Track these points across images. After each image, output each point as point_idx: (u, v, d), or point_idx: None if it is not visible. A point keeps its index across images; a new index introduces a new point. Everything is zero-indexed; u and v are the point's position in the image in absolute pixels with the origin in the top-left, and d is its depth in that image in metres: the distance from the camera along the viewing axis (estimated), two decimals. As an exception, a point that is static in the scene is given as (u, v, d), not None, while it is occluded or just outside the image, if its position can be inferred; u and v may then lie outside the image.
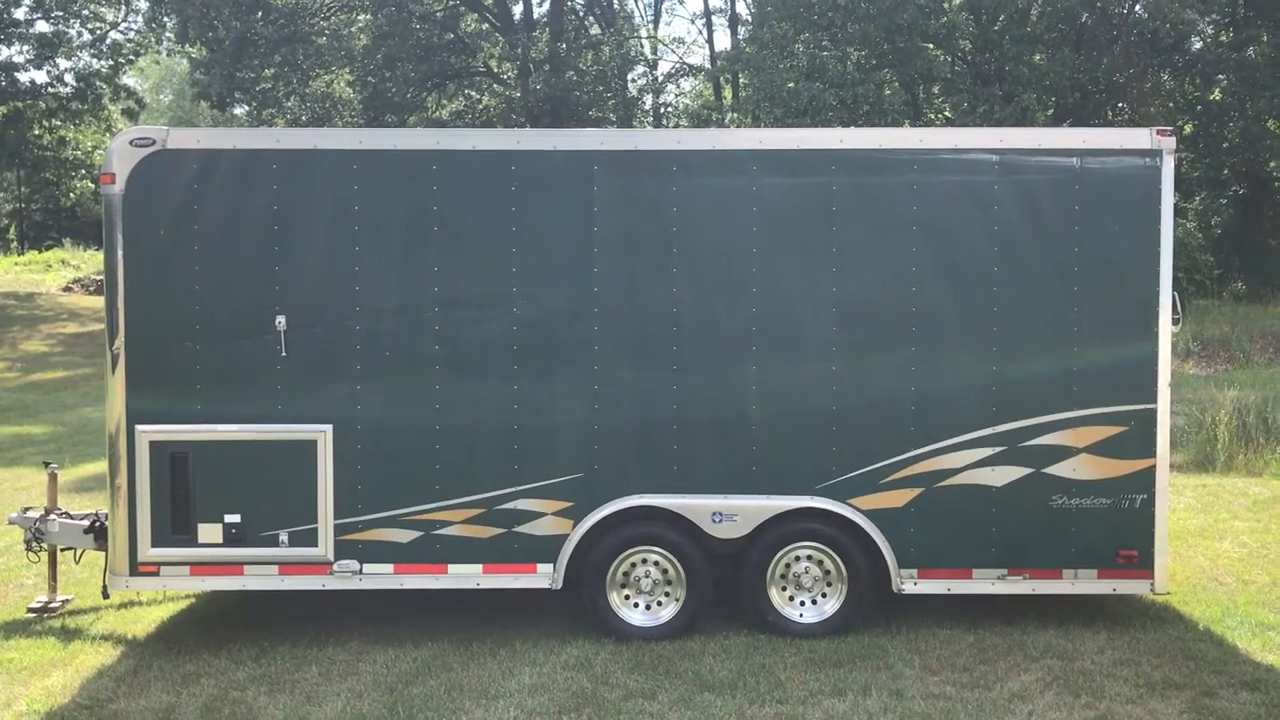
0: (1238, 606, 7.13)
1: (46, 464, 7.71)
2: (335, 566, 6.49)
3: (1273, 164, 27.17)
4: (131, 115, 35.54)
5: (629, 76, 35.95)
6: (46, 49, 33.28)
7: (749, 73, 27.16)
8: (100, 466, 10.58)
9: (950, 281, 6.53)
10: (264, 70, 31.16)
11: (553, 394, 6.52)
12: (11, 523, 7.46)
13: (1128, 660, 6.21)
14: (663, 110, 37.74)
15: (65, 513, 7.32)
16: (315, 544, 6.47)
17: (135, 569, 6.47)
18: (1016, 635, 6.58)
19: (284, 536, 6.46)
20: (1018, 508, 6.52)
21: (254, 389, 6.45)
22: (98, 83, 34.30)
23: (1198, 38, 27.48)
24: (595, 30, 36.65)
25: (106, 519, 6.70)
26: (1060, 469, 6.51)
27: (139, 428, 6.40)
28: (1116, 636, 6.57)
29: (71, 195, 41.82)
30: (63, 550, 7.42)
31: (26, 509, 7.41)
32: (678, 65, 40.09)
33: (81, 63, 34.69)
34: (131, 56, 35.74)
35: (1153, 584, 6.55)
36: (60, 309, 29.76)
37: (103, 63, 34.70)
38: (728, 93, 35.64)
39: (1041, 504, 6.52)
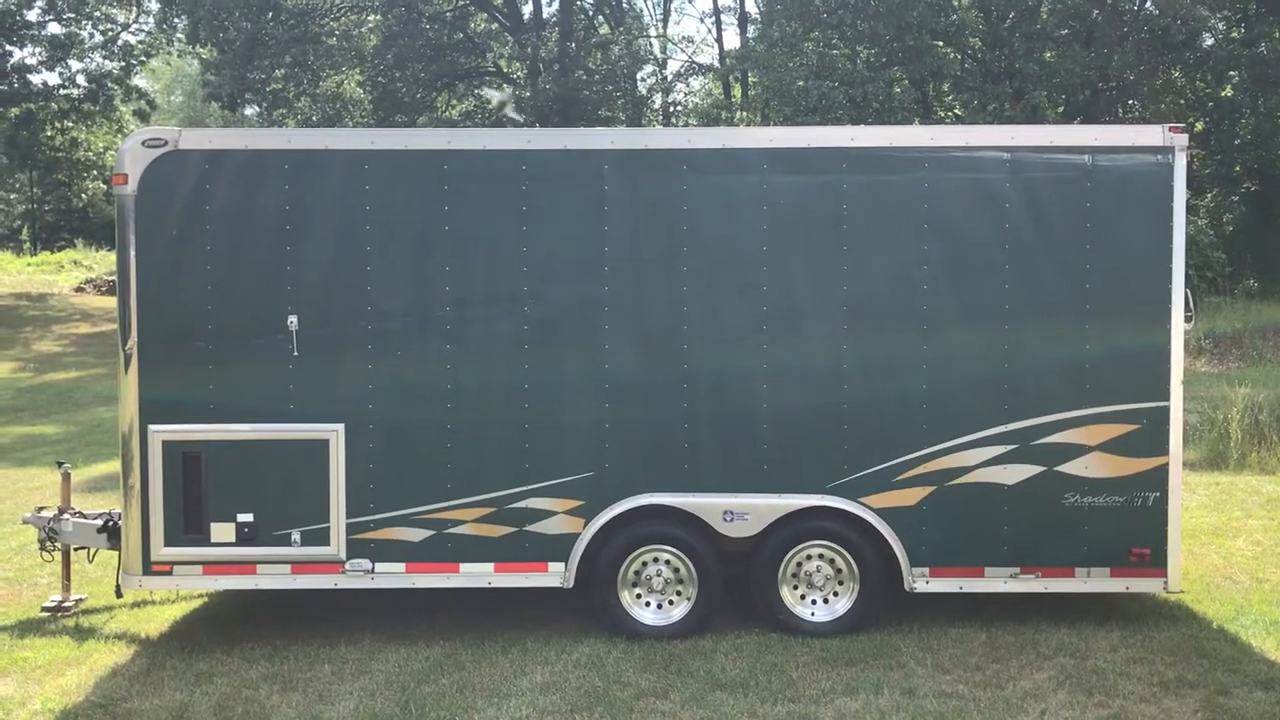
0: (1251, 605, 7.10)
1: (59, 464, 7.74)
2: (347, 565, 6.50)
3: (1285, 161, 27.04)
4: (143, 116, 35.65)
5: (638, 76, 36.00)
6: (58, 51, 33.45)
7: (758, 71, 27.16)
8: (113, 466, 10.63)
9: (961, 280, 6.51)
10: (274, 71, 31.26)
11: (563, 393, 6.52)
12: (25, 522, 7.50)
13: (1141, 659, 6.19)
14: (672, 109, 37.75)
15: (78, 512, 7.35)
16: (327, 543, 6.48)
17: (148, 568, 6.49)
18: (1029, 634, 6.56)
19: (296, 536, 6.47)
20: (1030, 506, 6.50)
21: (266, 388, 6.46)
22: (109, 84, 34.44)
23: (1209, 34, 27.37)
24: (605, 29, 36.66)
25: (119, 518, 6.73)
26: (1072, 467, 6.49)
27: (151, 427, 6.42)
28: (1129, 635, 6.55)
29: (84, 196, 41.99)
30: (76, 550, 7.45)
31: (40, 509, 7.44)
32: (687, 64, 40.13)
33: (93, 64, 34.84)
34: (143, 58, 35.90)
35: (1166, 582, 6.52)
36: (72, 309, 29.88)
37: (114, 64, 34.83)
38: (737, 91, 35.64)
39: (1054, 502, 6.50)
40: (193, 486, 6.43)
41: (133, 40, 35.49)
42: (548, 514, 6.51)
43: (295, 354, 6.43)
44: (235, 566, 6.50)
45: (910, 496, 6.51)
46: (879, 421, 6.51)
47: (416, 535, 6.50)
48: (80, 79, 34.52)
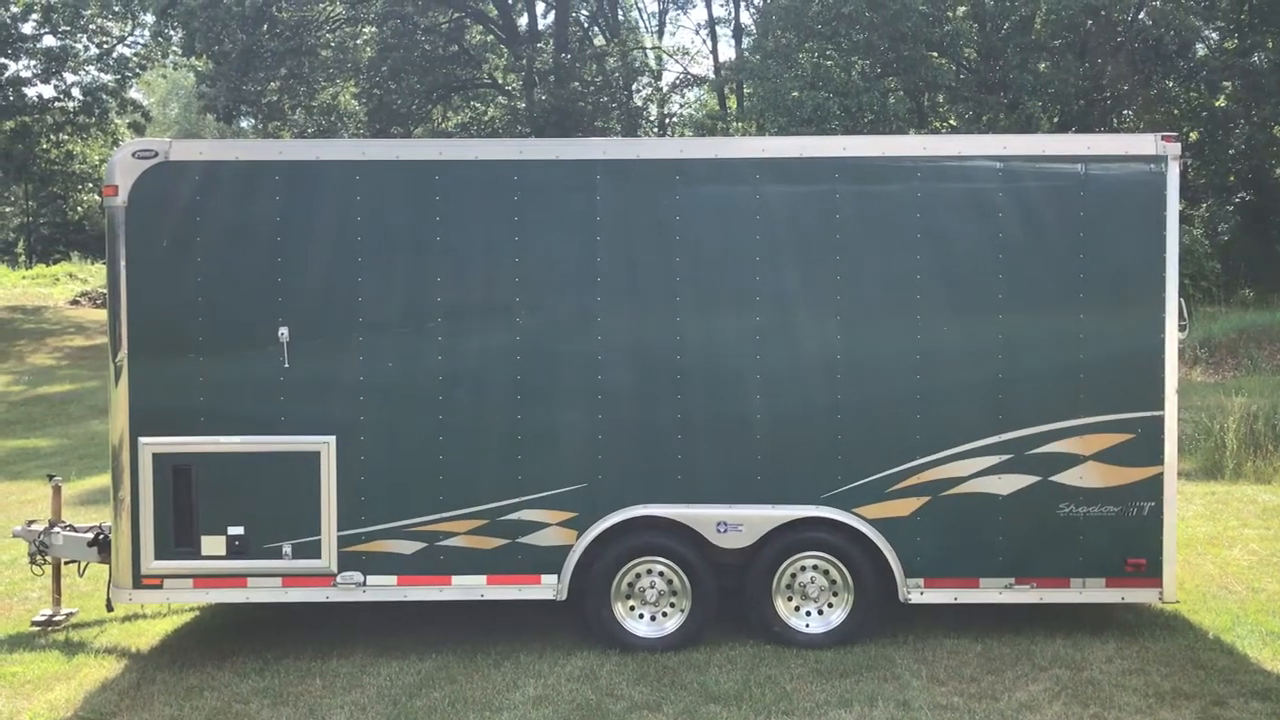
0: (1248, 615, 7.07)
1: (51, 477, 7.70)
2: (339, 578, 6.46)
3: (1279, 170, 27.10)
4: (138, 129, 35.57)
5: (633, 87, 36.03)
6: (54, 63, 33.42)
7: (753, 82, 27.18)
8: (106, 479, 10.57)
9: (955, 289, 6.50)
10: (270, 83, 31.26)
11: (556, 404, 6.49)
12: (16, 536, 7.46)
13: (1137, 669, 6.16)
14: (667, 120, 37.81)
15: (69, 526, 7.31)
16: (319, 556, 6.44)
17: (139, 582, 6.45)
18: (1024, 645, 6.53)
19: (287, 548, 6.44)
20: (1025, 516, 6.47)
21: (257, 401, 6.43)
22: (104, 96, 34.38)
23: (1202, 44, 27.47)
24: (600, 41, 36.75)
25: (110, 532, 6.69)
26: (1067, 477, 6.47)
27: (142, 440, 6.39)
28: (1125, 646, 6.53)
29: (79, 209, 41.93)
30: (67, 563, 7.41)
31: (31, 522, 7.41)
32: (682, 75, 40.21)
33: (88, 77, 34.82)
34: (138, 70, 35.87)
35: (1161, 592, 6.50)
36: (67, 322, 29.81)
37: (109, 76, 34.80)
38: (732, 102, 35.70)
39: (1049, 512, 6.47)
40: (183, 499, 6.40)
41: (128, 53, 35.48)
42: (540, 525, 6.48)
43: (286, 365, 6.40)
44: (226, 580, 6.46)
45: (904, 507, 6.48)
46: (873, 432, 6.48)
47: (408, 547, 6.46)
48: (75, 92, 34.48)
